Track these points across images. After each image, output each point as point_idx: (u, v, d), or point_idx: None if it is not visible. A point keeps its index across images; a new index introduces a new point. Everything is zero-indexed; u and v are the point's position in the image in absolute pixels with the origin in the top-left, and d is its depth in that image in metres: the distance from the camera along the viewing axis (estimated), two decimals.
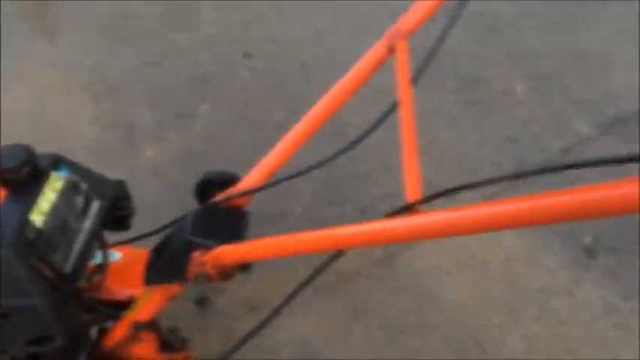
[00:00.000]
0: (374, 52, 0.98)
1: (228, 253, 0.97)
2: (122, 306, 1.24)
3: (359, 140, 0.93)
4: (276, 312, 1.11)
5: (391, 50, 0.95)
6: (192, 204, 1.19)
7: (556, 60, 2.48)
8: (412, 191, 0.73)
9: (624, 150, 2.16)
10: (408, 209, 0.71)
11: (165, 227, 1.24)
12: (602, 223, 1.88)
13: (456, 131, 2.27)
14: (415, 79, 0.88)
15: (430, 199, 0.71)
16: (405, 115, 0.80)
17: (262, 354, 1.63)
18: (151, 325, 1.20)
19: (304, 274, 1.81)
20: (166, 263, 1.06)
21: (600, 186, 0.55)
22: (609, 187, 0.54)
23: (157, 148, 2.21)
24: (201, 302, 1.74)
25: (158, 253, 1.11)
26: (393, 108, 0.88)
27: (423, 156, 2.39)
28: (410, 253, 1.85)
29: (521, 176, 0.71)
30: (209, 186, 1.14)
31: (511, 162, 2.14)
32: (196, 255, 1.00)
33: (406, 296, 1.75)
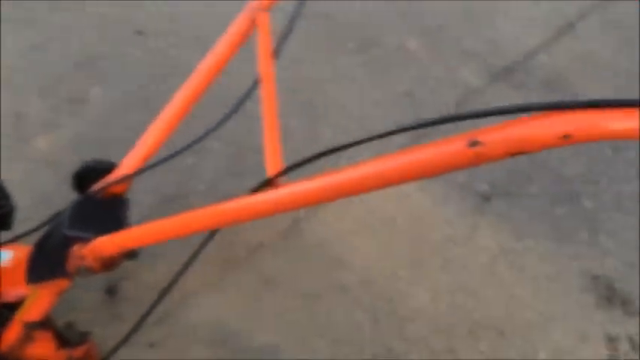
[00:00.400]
0: (237, 26, 0.96)
1: (106, 244, 0.95)
2: (12, 307, 1.20)
3: (224, 121, 0.92)
4: (161, 296, 1.10)
5: (254, 23, 0.94)
6: None
7: (445, 14, 2.53)
8: (273, 165, 0.73)
9: (514, 96, 2.25)
10: (270, 183, 0.71)
11: (47, 222, 1.20)
12: (496, 169, 1.97)
13: (356, 93, 2.29)
14: (277, 52, 0.87)
15: (288, 170, 0.72)
16: (267, 90, 0.80)
17: (177, 337, 1.62)
18: (44, 324, 1.17)
19: (213, 252, 1.81)
20: (47, 259, 1.02)
21: (436, 144, 0.57)
22: (443, 144, 0.56)
23: (49, 137, 2.12)
24: (111, 291, 1.71)
25: (39, 249, 1.07)
26: (255, 85, 0.88)
27: (323, 120, 2.40)
28: (317, 219, 1.87)
29: (384, 135, 0.72)
30: (86, 176, 1.11)
31: (410, 118, 2.18)
32: (75, 249, 0.97)
33: (315, 263, 1.78)
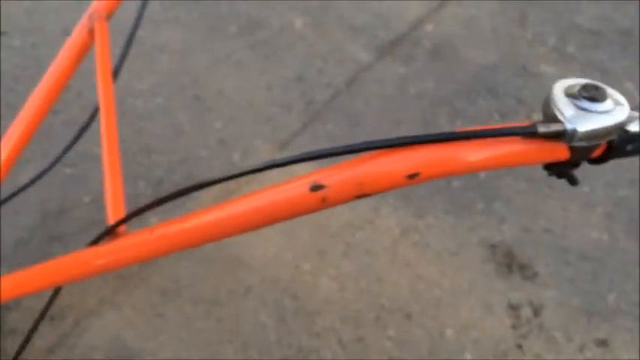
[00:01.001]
0: (75, 38, 0.85)
1: None
2: None
3: (65, 152, 0.81)
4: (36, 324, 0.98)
5: (92, 34, 0.83)
6: None
7: None
8: (115, 211, 0.64)
9: (403, 70, 2.24)
10: (111, 232, 0.62)
11: None
12: None
13: (243, 78, 2.20)
14: (117, 71, 0.76)
15: (131, 217, 0.63)
16: (106, 118, 0.69)
17: None
18: None
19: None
20: None
21: (280, 188, 0.50)
22: (287, 188, 0.50)
23: None
24: None
25: None
26: (96, 112, 0.76)
27: (211, 113, 2.30)
28: None
29: (249, 173, 0.64)
30: None
31: (301, 102, 2.12)
32: None
33: (215, 267, 1.70)
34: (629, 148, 0.49)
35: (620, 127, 0.48)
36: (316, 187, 0.44)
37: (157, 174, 1.90)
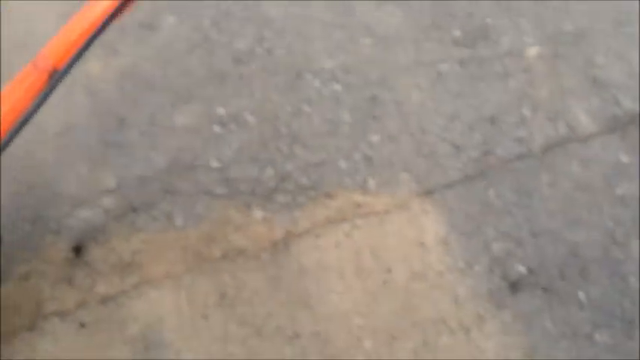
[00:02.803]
0: None
1: None
2: None
3: None
4: None
5: None
6: None
7: None
8: None
9: (627, 159, 1.72)
10: None
11: None
12: None
13: (431, 96, 1.90)
14: None
15: None
16: None
17: (110, 323, 1.55)
18: None
19: (194, 241, 1.67)
20: None
21: None
22: None
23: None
24: (77, 250, 1.66)
25: None
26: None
27: (376, 122, 2.00)
28: (306, 242, 1.63)
29: None
30: None
31: (478, 148, 1.76)
32: None
33: (280, 293, 1.56)
34: None
35: None
36: None
37: (287, 168, 1.78)
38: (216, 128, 1.85)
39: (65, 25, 0.92)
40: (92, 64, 2.04)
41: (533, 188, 1.68)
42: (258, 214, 1.69)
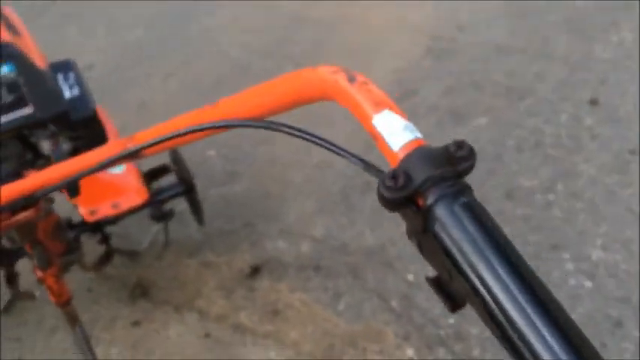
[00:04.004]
0: None
1: None
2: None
3: None
4: None
5: None
6: None
7: None
8: None
9: None
10: None
11: None
12: None
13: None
14: None
15: None
16: None
17: (227, 347, 1.59)
18: None
19: (214, 263, 1.62)
20: None
21: None
22: None
23: None
24: (255, 270, 1.74)
25: None
26: None
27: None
28: None
29: None
30: None
31: None
32: None
33: None
34: None
35: None
36: None
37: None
38: None
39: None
40: None
41: None
42: None
